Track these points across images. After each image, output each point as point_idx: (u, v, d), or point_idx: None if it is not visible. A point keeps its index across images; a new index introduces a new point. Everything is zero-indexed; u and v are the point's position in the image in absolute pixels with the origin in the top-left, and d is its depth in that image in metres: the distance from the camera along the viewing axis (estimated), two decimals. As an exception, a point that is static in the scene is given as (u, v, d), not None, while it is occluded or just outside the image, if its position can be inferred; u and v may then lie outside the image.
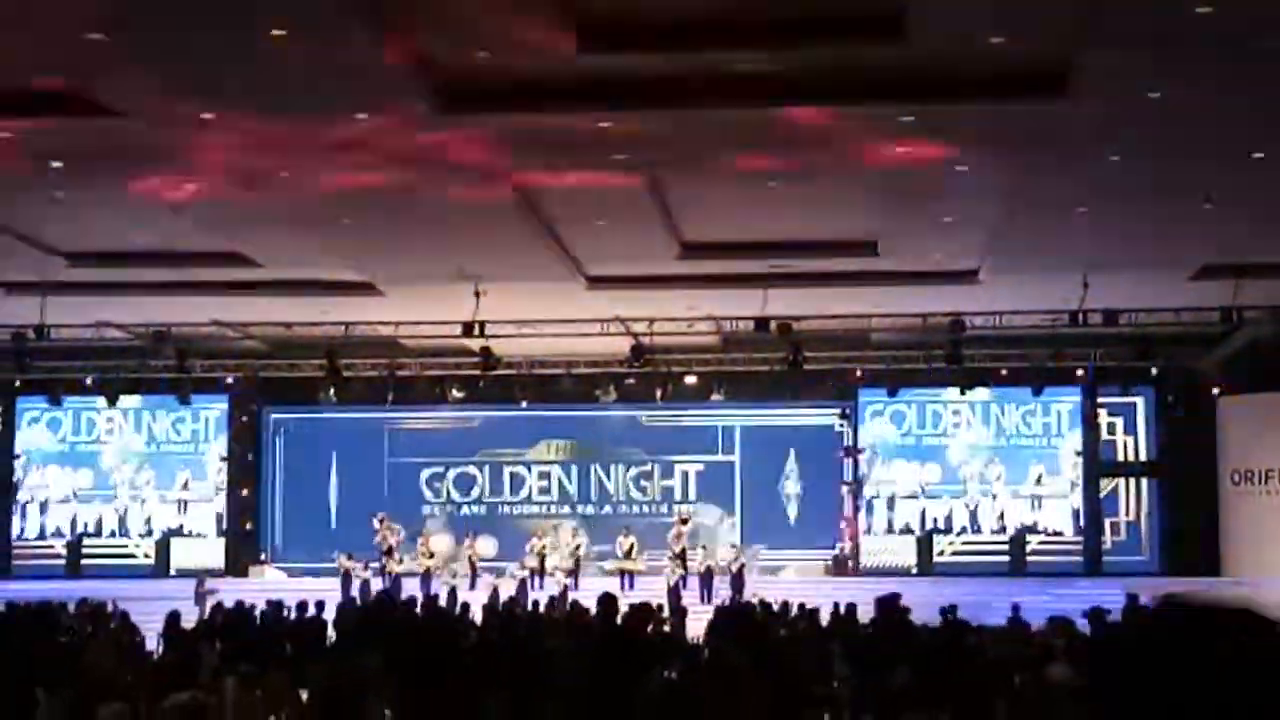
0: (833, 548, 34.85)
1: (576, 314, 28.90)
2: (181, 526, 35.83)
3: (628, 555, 32.41)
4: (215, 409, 35.96)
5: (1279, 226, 22.52)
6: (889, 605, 17.94)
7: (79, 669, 13.55)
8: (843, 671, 14.90)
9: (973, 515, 34.42)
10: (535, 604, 25.69)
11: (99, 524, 35.89)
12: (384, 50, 15.09)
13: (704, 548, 31.83)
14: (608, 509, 35.49)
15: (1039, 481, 34.38)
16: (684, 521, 32.62)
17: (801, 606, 20.66)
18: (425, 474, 36.03)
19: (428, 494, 35.92)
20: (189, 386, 33.94)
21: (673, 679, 12.89)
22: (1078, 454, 34.39)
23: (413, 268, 25.64)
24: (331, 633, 19.30)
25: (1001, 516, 34.35)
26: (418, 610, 21.14)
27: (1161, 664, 2.57)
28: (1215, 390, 33.02)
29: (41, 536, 35.91)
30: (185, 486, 35.98)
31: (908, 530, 34.45)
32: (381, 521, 33.45)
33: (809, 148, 18.72)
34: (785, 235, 24.23)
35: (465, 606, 22.82)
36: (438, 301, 27.77)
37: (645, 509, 35.33)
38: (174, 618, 19.19)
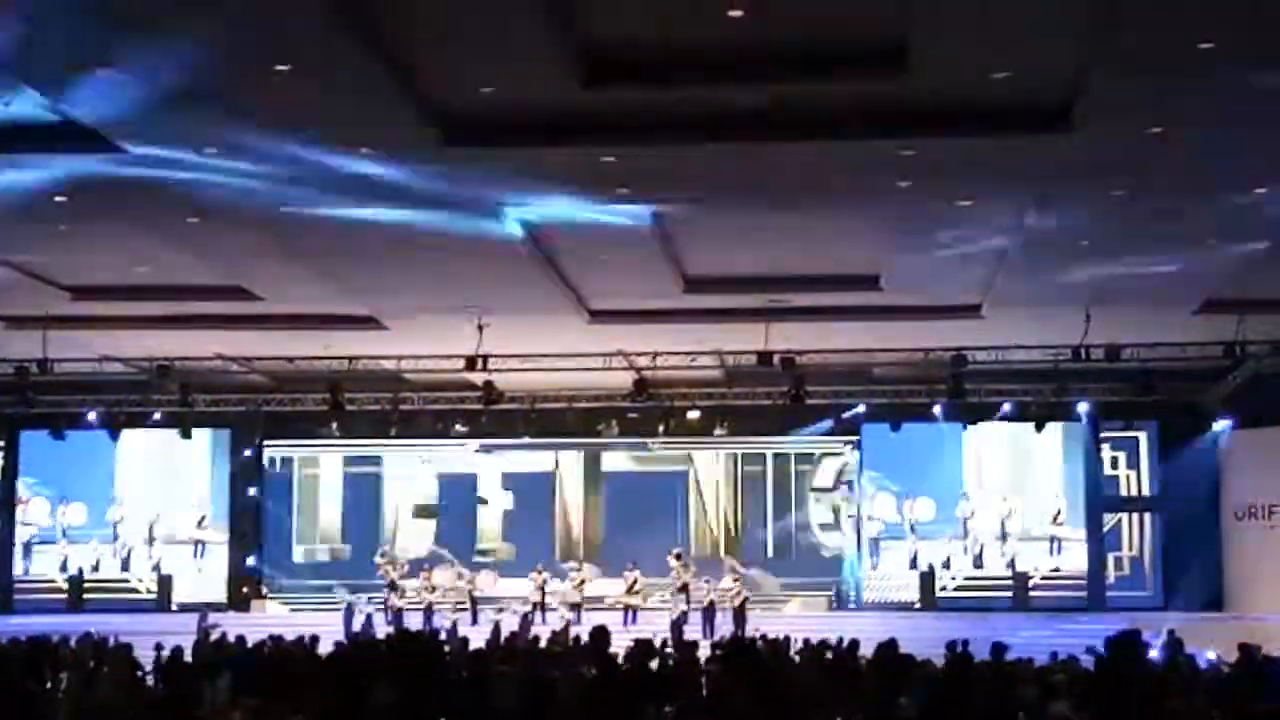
0: (836, 582, 34.81)
1: (579, 348, 28.92)
2: (183, 561, 35.75)
3: (630, 590, 32.32)
4: (218, 443, 35.92)
5: (1281, 261, 22.57)
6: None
7: (83, 704, 13.51)
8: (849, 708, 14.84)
9: (976, 550, 34.33)
10: (536, 638, 25.66)
11: (100, 559, 35.83)
12: (388, 85, 15.10)
13: (707, 582, 31.70)
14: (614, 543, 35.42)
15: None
16: (678, 558, 32.52)
17: (806, 641, 20.58)
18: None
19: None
20: (191, 420, 33.94)
21: (672, 713, 12.86)
22: (1080, 489, 34.33)
23: (416, 302, 25.66)
24: (334, 666, 19.21)
25: (1005, 552, 34.27)
26: (420, 643, 21.08)
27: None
28: (1218, 425, 32.99)
29: (43, 571, 35.85)
30: (187, 521, 35.93)
31: (911, 565, 34.36)
32: (384, 556, 33.45)
33: (812, 182, 18.75)
34: (788, 270, 24.27)
35: (466, 641, 22.75)
36: (440, 335, 27.80)
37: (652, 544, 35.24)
38: (176, 653, 19.12)
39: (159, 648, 19.49)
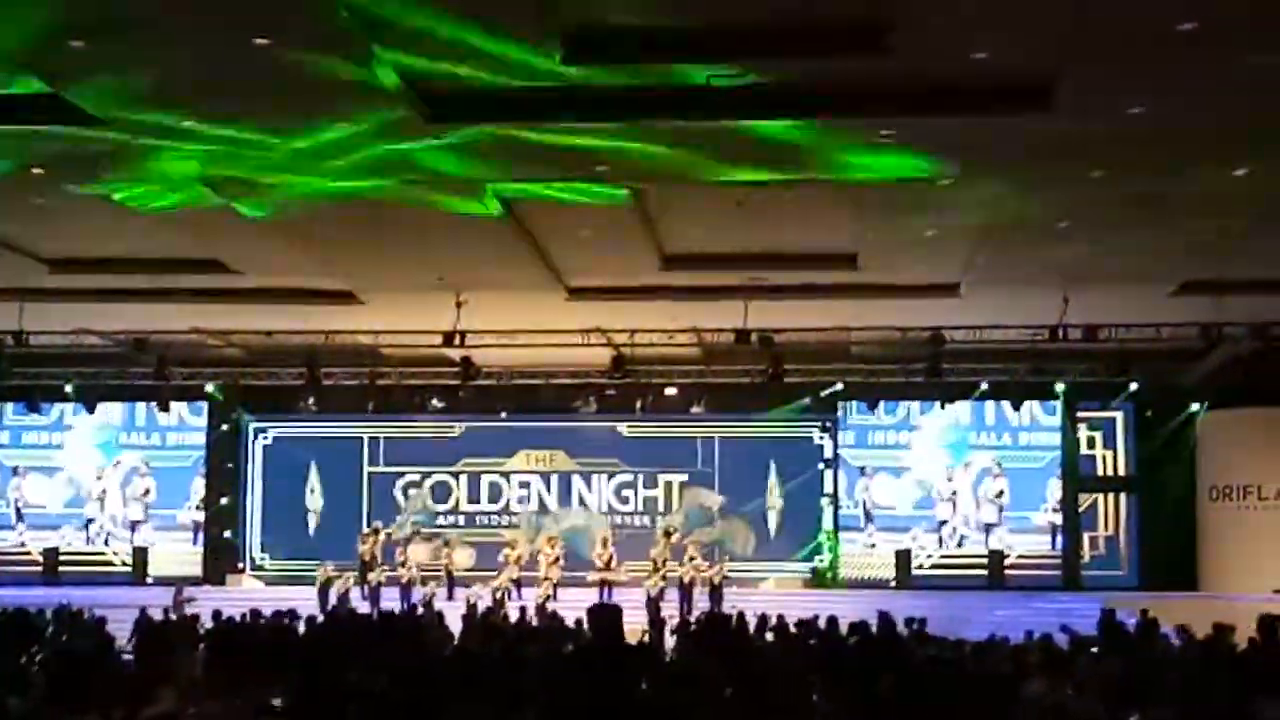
0: (811, 560, 34.84)
1: (557, 324, 28.88)
2: (159, 534, 35.69)
3: (606, 566, 32.37)
4: (194, 417, 35.85)
5: (1259, 243, 22.58)
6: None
7: (52, 677, 13.48)
8: (821, 684, 14.87)
9: (952, 529, 34.38)
10: (522, 609, 25.72)
11: (76, 531, 35.75)
12: (368, 60, 15.06)
13: (691, 559, 31.66)
14: (587, 519, 35.40)
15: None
16: (667, 535, 32.55)
17: (780, 619, 20.64)
18: (403, 483, 35.97)
19: (406, 503, 35.82)
20: (168, 394, 33.84)
21: (645, 690, 12.86)
22: (1056, 469, 34.39)
23: (394, 277, 25.61)
24: (310, 642, 19.22)
25: (983, 530, 34.34)
26: (396, 621, 21.11)
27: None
28: (1194, 406, 33.07)
29: (18, 543, 35.78)
30: (164, 494, 35.86)
31: (886, 544, 34.41)
32: (376, 531, 33.38)
33: (791, 161, 18.73)
34: (767, 248, 24.25)
35: (441, 616, 22.79)
36: (418, 311, 27.75)
37: (626, 520, 35.23)
38: (147, 626, 19.09)
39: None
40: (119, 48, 14.84)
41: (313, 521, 35.87)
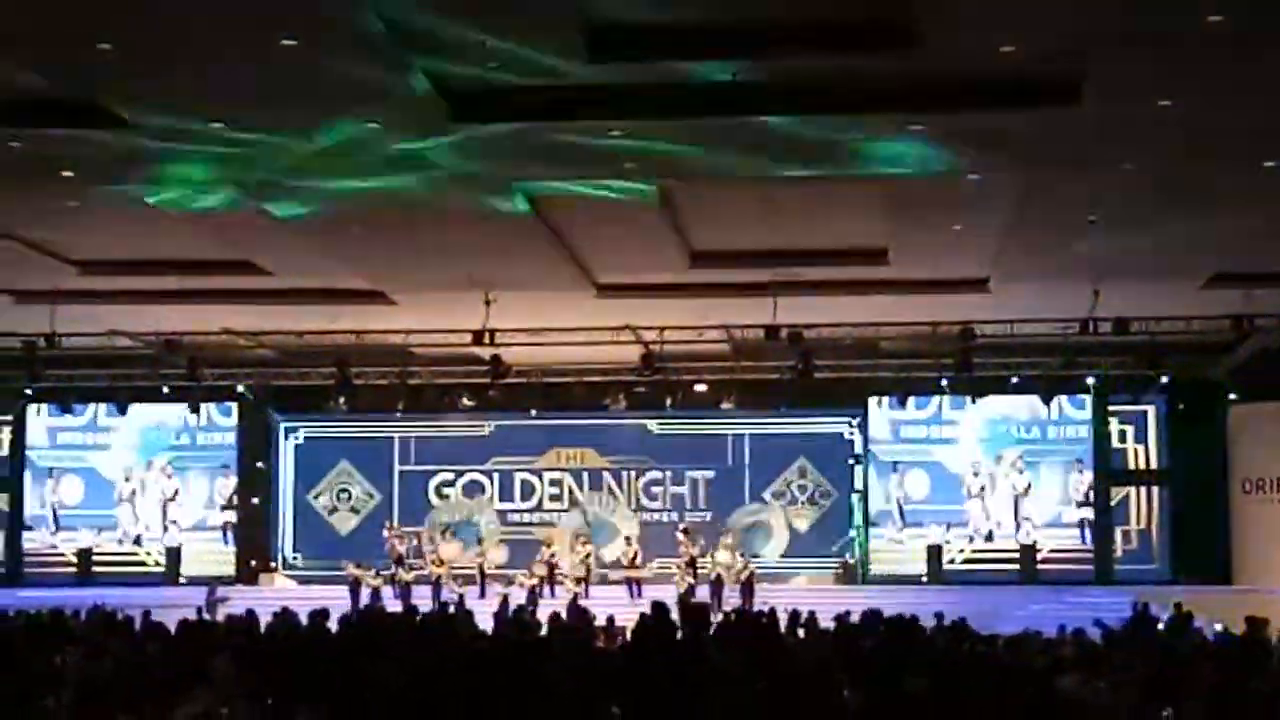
0: (843, 556, 34.79)
1: (587, 322, 28.87)
2: (192, 534, 35.81)
3: (631, 564, 32.45)
4: (225, 417, 35.95)
5: (1290, 235, 22.52)
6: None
7: (89, 678, 13.53)
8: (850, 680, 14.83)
9: (983, 524, 34.28)
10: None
11: (110, 531, 35.89)
12: (395, 59, 15.09)
13: (712, 556, 31.73)
14: (616, 517, 35.47)
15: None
16: (685, 533, 32.58)
17: (811, 615, 20.63)
18: (435, 482, 36.06)
19: (437, 502, 35.92)
20: (199, 395, 33.94)
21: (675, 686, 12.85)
22: (1086, 463, 34.29)
23: (424, 276, 25.64)
24: (342, 641, 19.22)
25: (1014, 525, 34.25)
26: (427, 618, 21.12)
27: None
28: (1227, 399, 32.94)
29: (52, 544, 35.92)
30: (196, 494, 35.99)
31: (917, 539, 34.34)
32: (390, 530, 33.53)
33: (820, 156, 18.71)
34: (795, 244, 24.22)
35: (469, 614, 22.78)
36: (448, 310, 27.77)
37: (656, 517, 35.28)
38: (183, 626, 19.13)
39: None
40: (144, 50, 14.92)
41: (344, 521, 36.00)
